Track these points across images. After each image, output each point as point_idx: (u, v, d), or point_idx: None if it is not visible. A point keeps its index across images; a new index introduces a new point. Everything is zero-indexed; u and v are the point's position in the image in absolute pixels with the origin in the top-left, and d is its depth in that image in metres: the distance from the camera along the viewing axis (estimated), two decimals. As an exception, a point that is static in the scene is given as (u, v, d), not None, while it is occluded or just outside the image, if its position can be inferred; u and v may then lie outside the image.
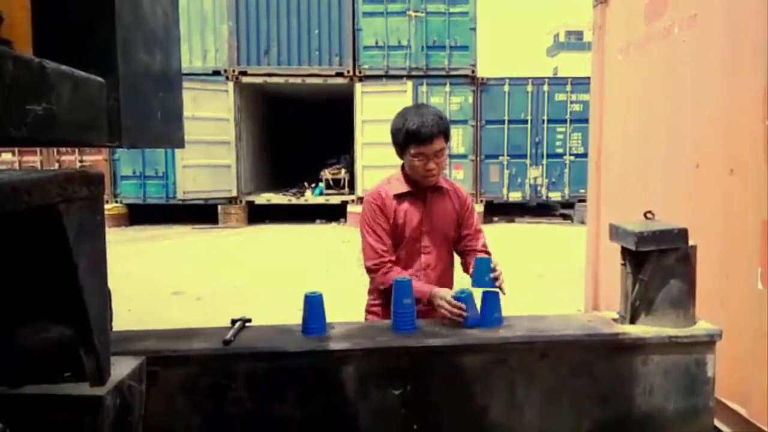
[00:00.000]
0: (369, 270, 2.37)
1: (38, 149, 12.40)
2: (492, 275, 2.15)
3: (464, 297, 2.10)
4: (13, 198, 0.85)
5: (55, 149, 12.44)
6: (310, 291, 2.10)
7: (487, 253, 2.43)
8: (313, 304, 2.08)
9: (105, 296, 1.15)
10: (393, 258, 2.36)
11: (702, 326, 2.10)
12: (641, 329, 2.09)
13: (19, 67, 0.88)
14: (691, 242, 2.08)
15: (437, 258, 2.41)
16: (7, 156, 12.83)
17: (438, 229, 2.40)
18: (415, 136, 2.24)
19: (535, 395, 2.03)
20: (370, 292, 2.51)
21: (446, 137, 2.31)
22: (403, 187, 2.39)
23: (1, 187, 0.83)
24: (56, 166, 12.84)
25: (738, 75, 2.53)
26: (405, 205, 2.38)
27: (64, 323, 1.07)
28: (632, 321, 2.14)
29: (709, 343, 2.06)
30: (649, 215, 2.17)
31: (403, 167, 2.42)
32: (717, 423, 2.23)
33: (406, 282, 2.11)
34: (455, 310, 2.09)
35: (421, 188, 2.38)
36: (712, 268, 2.49)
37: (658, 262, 2.06)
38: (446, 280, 2.45)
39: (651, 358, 2.05)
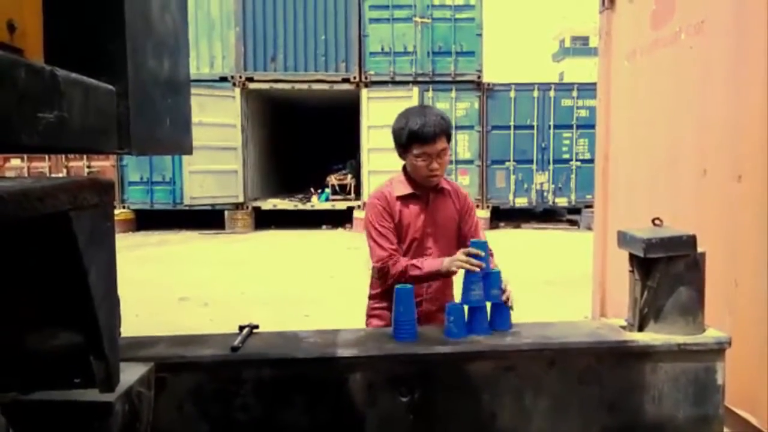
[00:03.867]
0: (380, 270, 2.33)
1: (47, 155, 12.47)
2: (503, 296, 2.18)
3: (478, 244, 2.16)
4: (25, 205, 0.86)
5: (63, 155, 12.50)
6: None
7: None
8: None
9: (114, 302, 1.16)
10: (398, 252, 2.35)
11: (711, 334, 2.08)
12: (650, 337, 2.08)
13: (31, 74, 0.89)
14: (699, 249, 2.06)
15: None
16: (16, 162, 12.91)
17: (441, 230, 2.40)
18: (417, 136, 2.23)
19: (543, 403, 2.02)
20: (371, 296, 2.51)
21: (448, 138, 2.30)
22: (406, 189, 2.38)
23: (13, 194, 0.83)
24: (64, 172, 12.91)
25: (745, 81, 2.52)
26: (408, 207, 2.38)
27: (74, 329, 1.07)
28: (641, 328, 2.12)
29: (718, 350, 2.05)
30: (657, 222, 2.16)
31: (404, 169, 2.41)
32: (726, 431, 2.22)
33: (406, 290, 2.11)
34: (473, 260, 2.13)
35: (424, 189, 2.38)
36: (721, 275, 2.47)
37: (666, 269, 2.05)
38: (449, 282, 2.46)
39: (660, 366, 2.04)
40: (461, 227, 2.45)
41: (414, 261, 2.29)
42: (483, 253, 2.14)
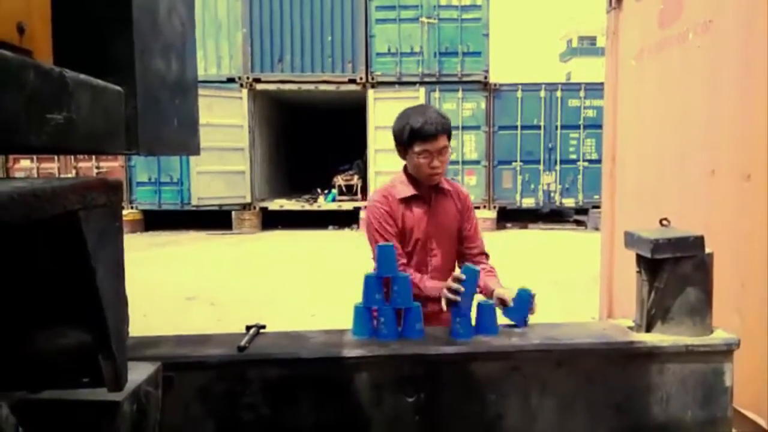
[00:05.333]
0: None
1: (55, 156, 12.56)
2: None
3: (465, 271, 2.10)
4: (35, 205, 0.86)
5: (72, 156, 12.59)
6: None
7: (485, 255, 2.48)
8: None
9: (123, 302, 1.16)
10: (404, 260, 2.35)
11: (719, 335, 2.07)
12: (657, 338, 2.07)
13: (40, 76, 0.90)
14: (707, 249, 2.05)
15: (444, 260, 2.41)
16: (25, 163, 13.01)
17: (443, 230, 2.41)
18: (419, 133, 2.24)
19: (550, 404, 2.01)
20: None
21: (449, 136, 2.31)
22: (409, 190, 2.38)
23: (23, 195, 0.84)
24: (73, 172, 13.00)
25: (754, 80, 2.51)
26: (411, 209, 2.38)
27: (83, 329, 1.08)
28: (648, 329, 2.12)
29: (726, 352, 2.03)
30: (664, 222, 2.15)
31: (405, 170, 2.41)
32: (735, 433, 2.20)
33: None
34: (453, 286, 2.08)
35: (426, 190, 2.38)
36: (728, 276, 2.46)
37: (674, 270, 2.04)
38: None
39: (667, 367, 2.03)
40: (462, 228, 2.46)
41: (416, 280, 2.27)
42: (463, 278, 2.09)
